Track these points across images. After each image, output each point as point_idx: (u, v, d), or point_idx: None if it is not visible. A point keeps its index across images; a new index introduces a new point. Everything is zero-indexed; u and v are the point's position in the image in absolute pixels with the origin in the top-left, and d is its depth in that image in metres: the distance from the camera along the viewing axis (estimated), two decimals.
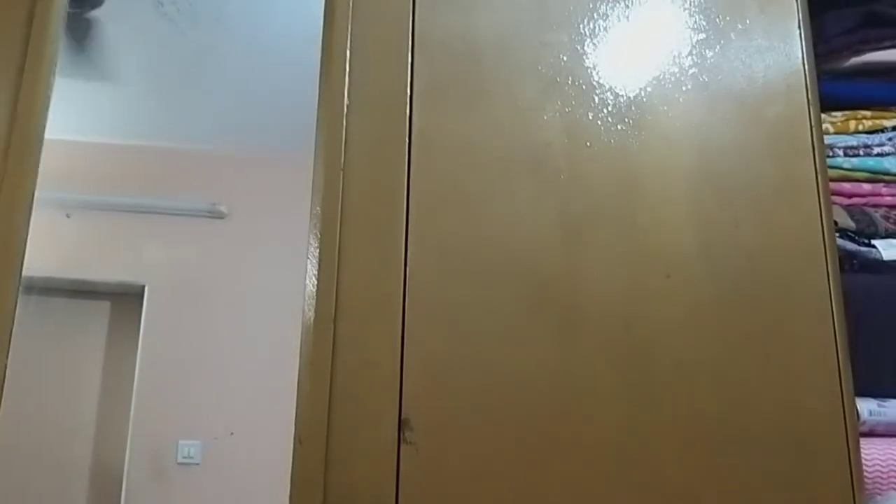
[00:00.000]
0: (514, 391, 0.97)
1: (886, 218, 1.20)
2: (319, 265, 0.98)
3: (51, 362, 3.21)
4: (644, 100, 1.11)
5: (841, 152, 1.23)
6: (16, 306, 0.97)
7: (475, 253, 1.02)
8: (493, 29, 1.11)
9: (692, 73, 1.13)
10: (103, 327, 3.41)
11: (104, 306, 3.42)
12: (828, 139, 1.22)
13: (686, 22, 1.16)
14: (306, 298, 0.98)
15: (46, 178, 1.03)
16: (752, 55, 1.14)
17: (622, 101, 1.10)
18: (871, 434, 1.07)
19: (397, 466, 0.93)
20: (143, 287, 3.26)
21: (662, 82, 1.12)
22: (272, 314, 3.12)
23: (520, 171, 1.05)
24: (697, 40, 1.15)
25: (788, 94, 1.13)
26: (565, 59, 1.11)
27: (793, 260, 1.07)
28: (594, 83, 1.11)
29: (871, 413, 1.07)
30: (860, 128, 1.26)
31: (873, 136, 1.25)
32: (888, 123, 1.26)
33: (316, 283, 0.98)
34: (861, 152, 1.24)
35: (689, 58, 1.14)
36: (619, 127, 1.09)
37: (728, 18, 1.16)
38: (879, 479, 1.04)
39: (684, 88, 1.12)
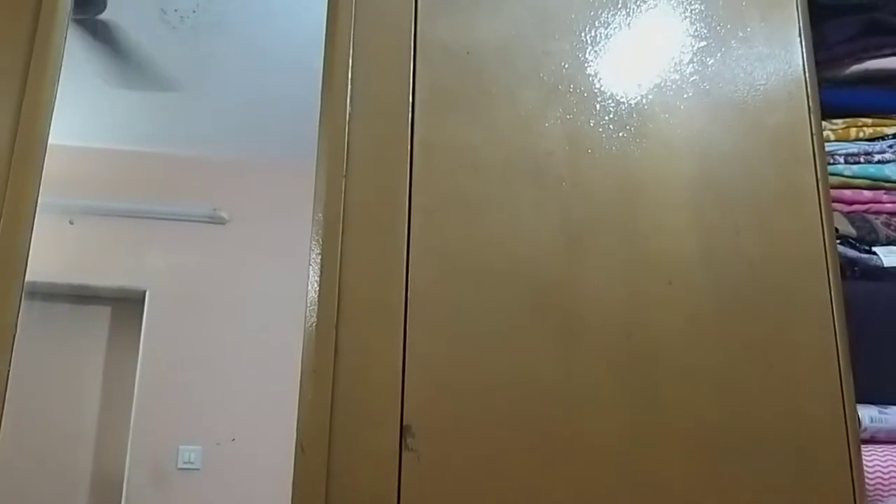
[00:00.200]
0: (515, 398, 0.98)
1: (887, 225, 1.20)
2: (321, 271, 0.99)
3: (51, 367, 3.21)
4: (645, 107, 1.11)
5: (842, 159, 1.24)
6: (19, 312, 0.97)
7: (477, 260, 1.02)
8: (495, 37, 1.11)
9: (693, 81, 1.13)
10: (104, 332, 3.41)
11: (105, 311, 3.42)
12: (828, 146, 1.22)
13: (687, 30, 1.16)
14: (308, 305, 0.99)
15: (47, 183, 1.04)
16: (753, 63, 1.15)
17: (623, 108, 1.10)
18: (872, 441, 1.07)
19: (399, 473, 0.93)
20: (144, 292, 3.27)
21: (663, 90, 1.12)
22: (272, 319, 3.12)
23: (521, 178, 1.06)
24: (698, 48, 1.15)
25: (789, 101, 1.14)
26: (567, 66, 1.11)
27: (794, 267, 1.07)
28: (595, 91, 1.11)
29: (872, 420, 1.07)
30: (861, 135, 1.26)
31: (874, 143, 1.26)
32: (889, 131, 1.27)
33: (318, 289, 0.98)
34: (862, 159, 1.24)
35: (691, 65, 1.14)
36: (620, 134, 1.09)
37: (729, 26, 1.16)
38: (881, 486, 1.03)
39: (685, 96, 1.12)
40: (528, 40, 1.12)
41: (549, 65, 1.11)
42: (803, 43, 1.17)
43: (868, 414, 1.07)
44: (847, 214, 1.21)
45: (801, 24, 1.18)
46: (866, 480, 1.01)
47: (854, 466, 1.00)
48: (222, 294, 3.28)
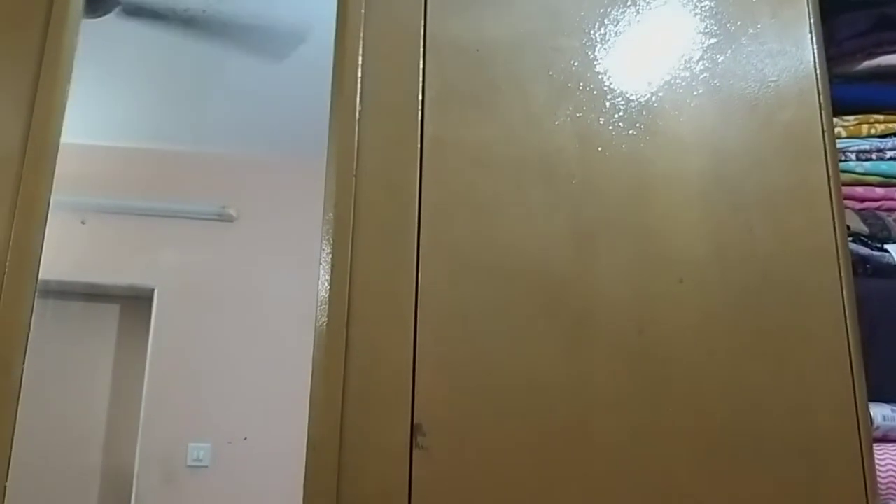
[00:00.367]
0: (526, 395, 0.98)
1: None
2: (332, 270, 0.99)
3: (61, 366, 3.23)
4: (655, 104, 1.11)
5: (853, 156, 1.23)
6: (32, 311, 0.98)
7: (487, 258, 1.02)
8: (505, 34, 1.11)
9: (704, 78, 1.13)
10: (113, 330, 3.42)
11: (114, 309, 3.43)
12: (840, 143, 1.22)
13: (697, 27, 1.16)
14: (319, 303, 0.99)
15: (57, 182, 1.04)
16: (763, 59, 1.14)
17: (634, 105, 1.10)
18: (884, 439, 1.06)
19: (410, 471, 0.93)
20: (153, 290, 3.28)
21: (674, 87, 1.12)
22: (281, 317, 3.13)
23: (532, 176, 1.06)
24: (709, 45, 1.15)
25: (800, 98, 1.13)
26: (577, 64, 1.11)
27: (805, 265, 1.07)
28: (606, 88, 1.11)
29: (884, 418, 1.06)
30: (872, 131, 1.25)
31: (886, 139, 1.25)
32: None
33: (328, 287, 0.98)
34: (874, 156, 1.23)
35: (701, 62, 1.14)
36: (630, 132, 1.09)
37: (739, 23, 1.16)
38: (893, 485, 1.03)
39: (696, 93, 1.12)
40: (537, 38, 1.12)
41: (559, 62, 1.11)
42: (814, 39, 1.16)
43: (881, 412, 1.06)
44: (859, 212, 1.20)
45: (812, 20, 1.17)
46: (879, 479, 1.01)
47: (866, 465, 0.99)
48: (231, 292, 3.28)
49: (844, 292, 1.05)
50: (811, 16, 1.18)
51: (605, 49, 1.12)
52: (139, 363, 3.22)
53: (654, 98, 1.11)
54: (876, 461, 1.01)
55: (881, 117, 1.26)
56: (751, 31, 1.16)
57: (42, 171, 1.02)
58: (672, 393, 1.00)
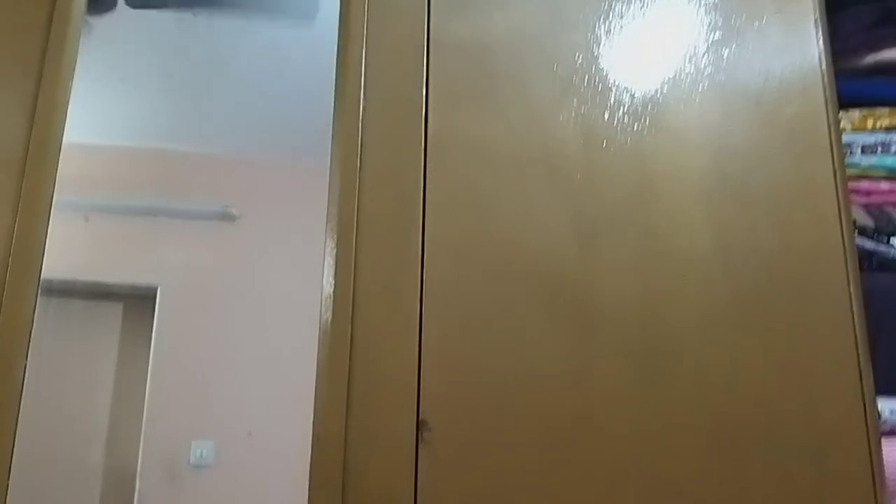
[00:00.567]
0: (531, 392, 0.97)
1: None
2: (336, 267, 0.99)
3: (64, 364, 3.23)
4: (660, 100, 1.10)
5: (859, 151, 1.23)
6: (35, 310, 0.98)
7: (491, 254, 1.02)
8: (508, 30, 1.11)
9: (708, 73, 1.12)
10: (116, 329, 3.42)
11: (117, 308, 3.43)
12: (845, 138, 1.21)
13: (702, 21, 1.15)
14: (323, 300, 0.99)
15: (60, 182, 1.04)
16: (768, 54, 1.14)
17: (638, 101, 1.10)
18: (892, 433, 1.06)
19: (416, 467, 0.93)
20: (156, 289, 3.28)
21: (678, 82, 1.11)
22: (284, 316, 3.13)
23: (536, 172, 1.05)
24: (713, 40, 1.14)
25: (805, 92, 1.13)
26: (580, 59, 1.11)
27: (811, 259, 1.06)
28: (609, 83, 1.10)
29: (892, 412, 1.06)
30: (878, 126, 1.25)
31: (891, 133, 1.24)
32: None
33: (333, 284, 0.98)
34: (879, 150, 1.23)
35: (705, 57, 1.13)
36: (634, 127, 1.09)
37: (744, 17, 1.15)
38: None
39: (700, 88, 1.11)
40: (541, 33, 1.11)
41: (563, 58, 1.10)
42: (819, 33, 1.16)
43: (888, 406, 1.06)
44: (864, 206, 1.20)
45: (817, 15, 1.17)
46: (886, 473, 1.00)
47: (874, 460, 0.99)
48: (234, 291, 3.28)
49: (851, 287, 1.05)
50: (816, 10, 1.17)
51: (609, 44, 1.12)
52: (142, 362, 3.22)
53: (658, 93, 1.11)
54: (884, 455, 1.01)
55: (886, 111, 1.26)
56: (756, 25, 1.15)
57: (45, 169, 1.01)
58: (676, 389, 1.00)
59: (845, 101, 1.18)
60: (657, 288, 1.03)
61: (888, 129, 1.25)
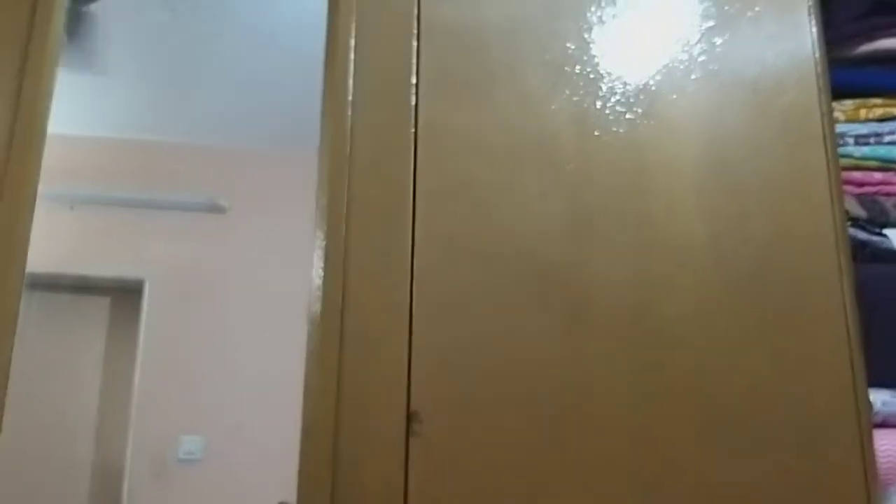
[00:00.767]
0: (523, 382, 0.97)
1: None
2: (326, 257, 0.97)
3: (50, 359, 3.20)
4: (653, 88, 1.09)
5: (852, 141, 1.22)
6: (20, 302, 0.96)
7: (482, 244, 1.00)
8: (500, 18, 1.10)
9: (701, 62, 1.11)
10: (103, 323, 3.40)
11: (104, 302, 3.41)
12: (838, 128, 1.21)
13: (695, 9, 1.14)
14: (313, 290, 0.97)
15: (45, 173, 1.02)
16: (762, 43, 1.13)
17: (631, 89, 1.09)
18: (884, 425, 1.06)
19: (406, 458, 0.92)
20: (143, 282, 3.25)
21: (671, 70, 1.10)
22: (273, 308, 3.11)
23: (527, 161, 1.04)
24: (707, 28, 1.13)
25: (799, 82, 1.12)
26: (573, 47, 1.10)
27: (804, 249, 1.06)
28: (602, 72, 1.09)
29: (884, 404, 1.06)
30: (871, 116, 1.25)
31: (884, 124, 1.24)
32: None
33: (323, 274, 0.97)
34: (872, 141, 1.23)
35: (699, 45, 1.12)
36: (627, 116, 1.08)
37: (738, 6, 1.14)
38: (893, 470, 1.03)
39: (693, 77, 1.11)
40: (533, 21, 1.10)
41: (555, 46, 1.09)
42: (813, 22, 1.15)
43: (880, 398, 1.06)
44: (857, 196, 1.20)
45: (811, 3, 1.16)
46: (878, 464, 1.00)
47: (866, 450, 0.99)
48: (222, 283, 3.26)
49: (843, 277, 1.04)
50: None
51: (601, 32, 1.11)
52: (130, 356, 3.20)
53: (651, 82, 1.10)
54: (876, 446, 1.00)
55: (879, 101, 1.25)
56: (749, 14, 1.14)
57: (29, 159, 1.00)
58: (669, 378, 0.99)
59: (838, 91, 1.18)
60: (650, 277, 1.02)
61: (881, 120, 1.24)
